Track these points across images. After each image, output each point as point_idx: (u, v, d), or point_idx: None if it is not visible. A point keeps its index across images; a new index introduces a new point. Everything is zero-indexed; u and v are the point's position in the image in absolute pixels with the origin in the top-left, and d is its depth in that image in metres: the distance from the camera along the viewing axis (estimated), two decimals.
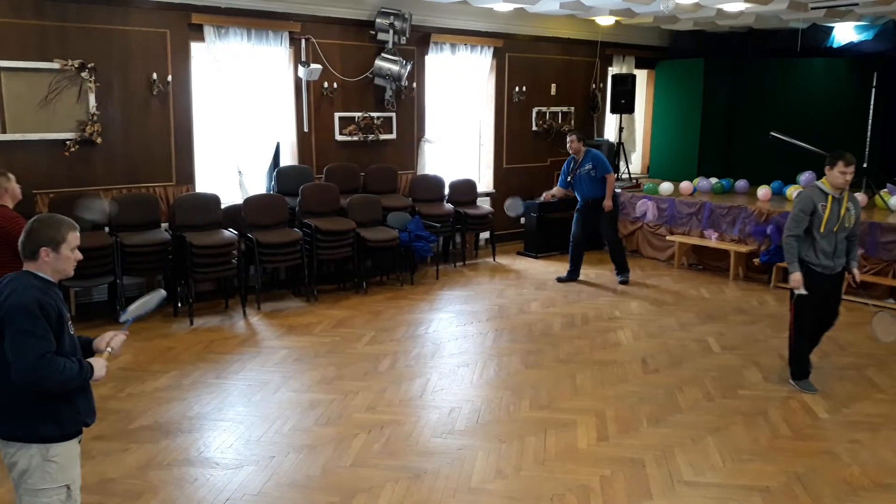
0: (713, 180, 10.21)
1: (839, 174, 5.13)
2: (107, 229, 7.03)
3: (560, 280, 8.64)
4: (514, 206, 8.53)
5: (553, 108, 10.81)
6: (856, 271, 5.39)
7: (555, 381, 5.55)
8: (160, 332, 6.58)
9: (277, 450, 4.39)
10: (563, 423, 4.79)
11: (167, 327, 6.72)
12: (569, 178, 8.48)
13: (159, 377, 5.51)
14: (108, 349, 2.90)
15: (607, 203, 8.37)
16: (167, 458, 4.29)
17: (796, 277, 5.25)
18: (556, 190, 8.86)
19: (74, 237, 2.80)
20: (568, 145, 8.44)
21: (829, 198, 5.20)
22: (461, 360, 5.98)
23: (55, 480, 2.73)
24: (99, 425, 4.64)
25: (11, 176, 4.74)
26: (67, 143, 6.96)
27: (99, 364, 2.81)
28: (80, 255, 2.84)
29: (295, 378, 5.53)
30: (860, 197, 8.71)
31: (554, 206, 10.03)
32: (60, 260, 2.75)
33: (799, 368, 5.54)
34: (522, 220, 8.94)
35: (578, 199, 8.54)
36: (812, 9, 8.97)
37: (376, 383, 5.43)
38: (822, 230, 5.18)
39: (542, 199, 9.04)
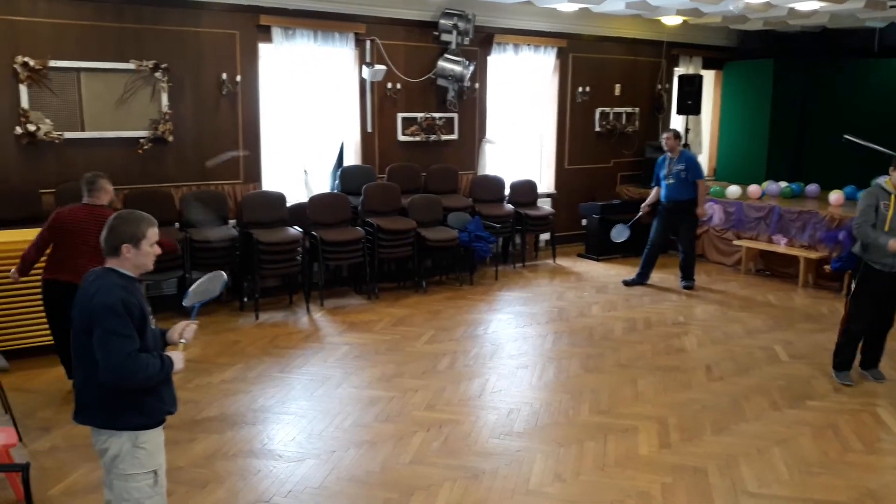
0: (782, 184, 9.92)
1: None
2: (177, 225, 7.25)
3: (626, 283, 8.50)
4: (620, 233, 8.53)
5: (617, 109, 10.68)
6: None
7: (615, 385, 5.48)
8: (227, 325, 6.76)
9: (338, 444, 4.46)
10: (624, 429, 4.73)
11: (234, 321, 6.90)
12: (665, 179, 8.20)
13: (225, 370, 5.66)
14: (182, 340, 2.99)
15: (700, 210, 8.21)
16: (232, 449, 4.40)
17: (892, 243, 5.10)
18: (651, 197, 8.51)
19: (154, 233, 2.86)
20: (664, 142, 8.30)
21: (892, 197, 5.19)
22: (520, 362, 5.96)
23: (143, 466, 2.85)
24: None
25: (106, 177, 4.98)
26: (141, 140, 7.20)
27: (177, 357, 2.90)
28: (158, 250, 2.91)
29: (356, 374, 5.61)
30: None
31: (617, 208, 9.92)
32: (141, 255, 2.82)
33: (840, 360, 5.58)
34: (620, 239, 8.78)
35: (662, 199, 8.33)
36: (891, 7, 8.62)
37: (435, 382, 5.46)
38: (885, 229, 5.15)
39: (640, 213, 8.57)
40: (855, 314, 5.48)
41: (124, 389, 2.75)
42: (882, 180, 5.35)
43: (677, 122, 11.36)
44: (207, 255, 7.00)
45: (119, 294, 2.71)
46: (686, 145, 10.86)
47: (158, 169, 7.39)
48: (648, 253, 8.45)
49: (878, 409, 5.13)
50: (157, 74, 7.22)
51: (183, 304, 3.23)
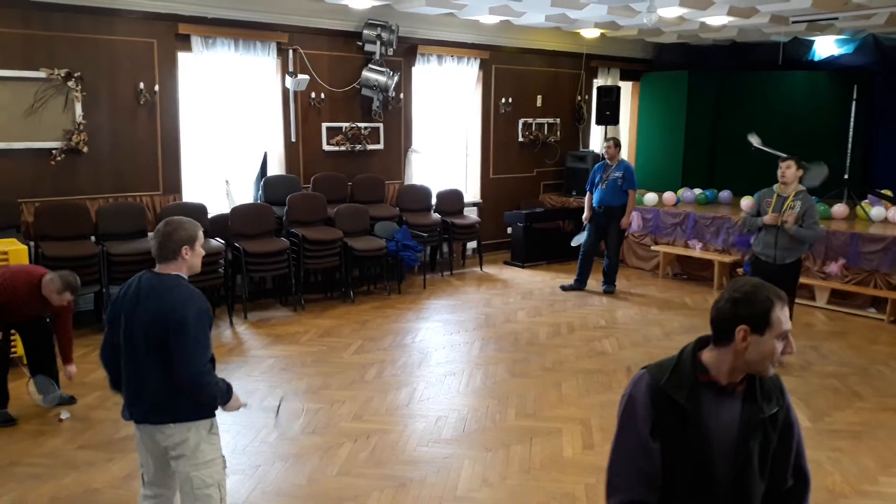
0: (697, 191, 10.32)
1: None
2: (93, 238, 7.02)
3: (564, 288, 8.65)
4: (578, 239, 8.71)
5: (539, 120, 10.90)
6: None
7: (541, 389, 5.59)
8: None
9: (263, 459, 4.40)
10: (549, 432, 4.82)
11: None
12: (600, 184, 8.37)
13: None
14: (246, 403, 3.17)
15: (625, 220, 8.43)
16: None
17: (767, 218, 5.99)
18: (587, 205, 8.60)
19: (201, 234, 2.97)
20: (604, 150, 8.52)
21: (775, 195, 6.02)
22: (448, 370, 6.00)
23: (218, 450, 3.02)
24: (84, 435, 4.67)
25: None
26: (53, 151, 6.95)
27: (237, 401, 3.05)
28: (203, 252, 3.01)
29: (281, 387, 5.53)
30: (840, 208, 8.86)
31: (540, 216, 10.12)
32: (195, 256, 2.92)
33: None
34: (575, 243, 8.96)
35: (594, 204, 8.48)
36: (793, 22, 9.11)
37: (363, 392, 5.45)
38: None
39: (586, 223, 8.62)
40: None
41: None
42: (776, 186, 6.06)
43: (597, 132, 11.68)
44: (124, 268, 6.78)
45: (204, 304, 2.87)
46: (602, 156, 11.18)
47: (72, 181, 7.13)
48: (583, 259, 8.63)
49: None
50: (70, 83, 6.99)
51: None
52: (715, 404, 2.00)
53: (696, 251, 9.21)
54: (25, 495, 3.97)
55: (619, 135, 11.92)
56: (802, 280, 8.03)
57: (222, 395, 2.94)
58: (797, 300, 7.64)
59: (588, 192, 8.62)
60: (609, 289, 8.61)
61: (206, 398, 2.89)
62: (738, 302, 1.98)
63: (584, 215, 8.65)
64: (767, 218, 5.97)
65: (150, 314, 2.81)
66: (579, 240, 8.73)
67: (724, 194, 10.40)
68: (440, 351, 6.49)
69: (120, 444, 4.56)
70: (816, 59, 11.14)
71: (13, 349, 5.27)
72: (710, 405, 2.00)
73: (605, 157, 8.53)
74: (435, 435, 4.76)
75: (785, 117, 10.87)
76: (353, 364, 6.05)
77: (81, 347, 6.31)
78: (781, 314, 1.96)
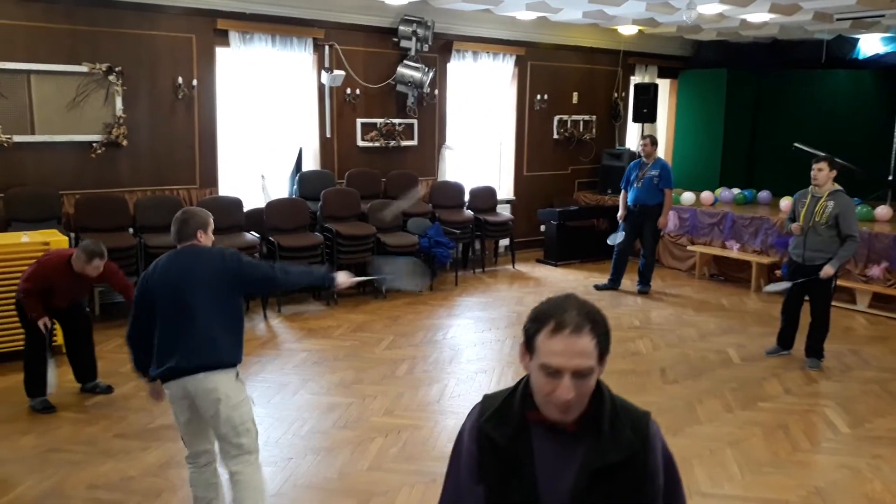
0: (735, 191, 10.15)
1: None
2: (130, 230, 7.13)
3: (598, 287, 8.56)
4: (615, 238, 8.53)
5: (575, 117, 10.81)
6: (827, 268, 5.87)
7: None
8: None
9: (295, 452, 4.42)
10: None
11: None
12: (636, 182, 8.28)
13: None
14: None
15: (663, 220, 8.33)
16: None
17: (794, 226, 6.06)
18: (622, 203, 8.50)
19: (212, 221, 3.50)
20: (640, 148, 8.42)
21: (810, 196, 5.97)
22: (479, 367, 5.99)
23: (245, 391, 3.39)
24: (119, 424, 4.75)
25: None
26: (94, 144, 7.07)
27: (343, 274, 3.66)
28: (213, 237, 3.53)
29: (314, 381, 5.57)
30: (884, 210, 8.64)
31: (574, 214, 10.04)
32: (208, 239, 3.45)
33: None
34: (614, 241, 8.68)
35: (629, 202, 8.39)
36: (837, 20, 8.91)
37: (394, 388, 5.45)
38: (800, 222, 5.97)
39: (622, 222, 8.52)
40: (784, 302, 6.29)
41: (236, 330, 3.36)
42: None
43: (633, 129, 11.56)
44: None
45: (226, 248, 3.49)
46: (638, 154, 11.04)
47: (112, 174, 7.25)
48: (617, 258, 8.53)
49: (826, 410, 5.27)
50: (111, 78, 7.10)
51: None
52: (548, 447, 1.63)
53: (734, 252, 9.06)
54: (64, 481, 4.05)
55: (656, 133, 11.78)
56: (843, 283, 7.87)
57: (321, 275, 3.75)
58: (836, 303, 7.50)
59: (623, 191, 8.51)
60: (644, 289, 8.51)
61: (296, 279, 3.67)
62: (531, 316, 1.65)
63: (619, 213, 8.55)
64: (794, 227, 6.04)
65: (195, 276, 3.27)
66: (616, 238, 8.61)
67: (764, 194, 10.21)
68: (471, 348, 6.47)
69: (155, 433, 4.62)
70: (861, 57, 10.89)
71: (54, 338, 5.37)
72: (542, 447, 1.63)
73: (642, 154, 8.42)
74: None
75: (827, 117, 10.63)
76: (384, 359, 6.06)
77: (118, 337, 6.41)
78: (552, 342, 1.56)
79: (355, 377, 5.65)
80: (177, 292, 3.25)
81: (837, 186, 5.94)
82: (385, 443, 4.55)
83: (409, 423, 4.85)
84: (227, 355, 3.30)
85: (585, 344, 1.56)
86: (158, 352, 3.29)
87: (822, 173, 5.87)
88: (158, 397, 3.56)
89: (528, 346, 1.63)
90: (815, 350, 6.12)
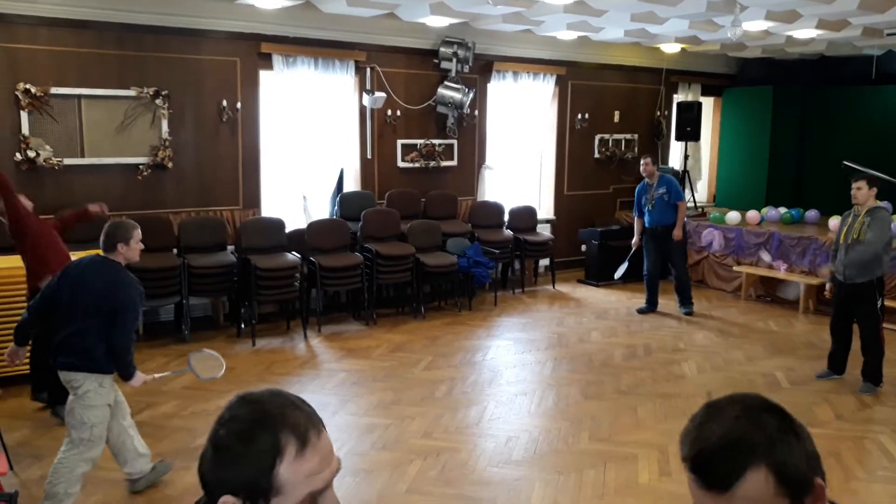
0: (782, 210, 9.92)
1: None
2: (175, 251, 7.24)
3: (640, 311, 8.42)
4: (619, 271, 8.47)
5: (616, 136, 10.71)
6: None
7: (615, 413, 5.43)
8: (223, 352, 6.59)
9: None
10: (624, 457, 4.67)
11: (230, 347, 6.85)
12: (647, 205, 8.24)
13: (221, 397, 5.59)
14: (154, 375, 4.15)
15: (677, 232, 8.22)
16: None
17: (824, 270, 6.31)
18: (637, 230, 8.49)
19: (138, 234, 3.89)
20: (642, 168, 8.34)
21: (852, 214, 5.90)
22: (519, 389, 5.91)
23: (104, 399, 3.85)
24: (161, 443, 4.78)
25: None
26: (140, 167, 7.22)
27: (140, 377, 3.95)
28: (142, 246, 3.94)
29: (353, 401, 5.56)
30: None
31: (616, 234, 9.91)
32: (130, 251, 3.84)
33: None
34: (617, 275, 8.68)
35: (647, 225, 8.34)
36: (888, 35, 8.68)
37: (433, 409, 5.41)
38: (840, 241, 5.90)
39: (633, 249, 8.55)
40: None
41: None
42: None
43: (676, 148, 11.41)
44: (204, 280, 6.99)
45: (139, 290, 3.85)
46: (686, 172, 10.90)
47: (157, 195, 7.40)
48: (649, 281, 8.41)
49: (881, 436, 5.07)
50: (158, 101, 7.26)
51: (181, 371, 4.48)
52: None
53: (781, 272, 8.84)
54: (107, 501, 4.08)
55: (700, 151, 11.62)
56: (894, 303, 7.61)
57: (129, 368, 3.91)
58: (889, 325, 7.25)
59: (637, 217, 8.45)
60: (688, 310, 8.34)
61: (122, 365, 3.89)
62: (218, 451, 1.15)
63: (634, 240, 8.46)
64: (822, 271, 6.35)
65: (94, 292, 3.74)
66: (620, 272, 8.52)
67: (811, 214, 9.96)
68: (511, 370, 6.40)
69: (195, 452, 4.61)
70: None
71: None
72: None
73: (644, 175, 8.31)
74: (505, 455, 4.68)
75: (878, 134, 10.35)
76: (423, 380, 6.03)
77: (161, 357, 6.52)
78: (298, 466, 1.12)
79: (394, 398, 5.62)
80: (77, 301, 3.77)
81: (879, 203, 5.79)
82: (424, 465, 4.50)
83: (448, 445, 4.80)
84: (92, 360, 3.80)
85: None
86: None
87: (861, 192, 5.78)
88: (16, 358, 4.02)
89: (255, 495, 1.13)
90: (870, 374, 5.91)
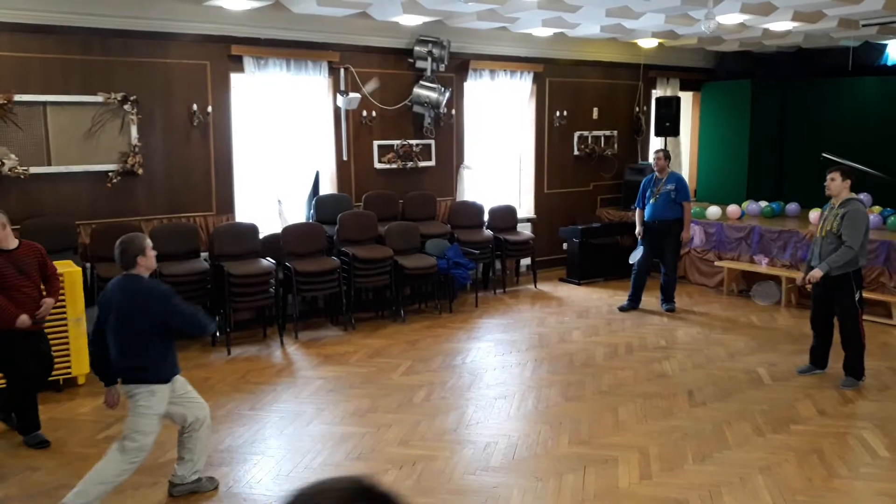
0: (762, 204, 9.89)
1: None
2: None
3: (622, 309, 8.33)
4: (635, 255, 8.31)
5: (595, 132, 10.64)
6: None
7: (596, 414, 5.34)
8: (198, 361, 6.57)
9: None
10: (604, 460, 4.58)
11: (205, 357, 6.71)
12: (651, 198, 8.12)
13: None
14: None
15: (686, 234, 8.20)
16: (195, 494, 4.21)
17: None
18: (638, 220, 8.32)
19: (149, 243, 4.00)
20: (654, 162, 8.27)
21: (828, 207, 5.87)
22: (498, 392, 5.81)
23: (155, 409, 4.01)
24: None
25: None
26: (110, 174, 7.06)
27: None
28: (155, 252, 4.06)
29: (328, 410, 5.44)
30: None
31: (597, 232, 9.84)
32: (149, 260, 3.96)
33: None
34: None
35: (647, 218, 8.20)
36: (864, 26, 8.66)
37: (410, 416, 5.30)
38: (818, 234, 5.89)
39: (640, 238, 8.34)
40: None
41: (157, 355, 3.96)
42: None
43: (656, 144, 11.34)
44: (177, 288, 6.79)
45: (165, 289, 4.03)
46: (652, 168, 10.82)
47: (128, 202, 7.24)
48: (637, 276, 8.32)
49: (864, 432, 5.01)
50: (126, 106, 7.10)
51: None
52: None
53: (763, 267, 8.79)
54: None
55: (679, 146, 11.57)
56: (878, 297, 7.60)
57: (206, 321, 4.19)
58: (872, 318, 7.23)
59: (638, 208, 8.34)
60: (670, 307, 8.28)
61: (204, 326, 4.20)
62: None
63: (637, 230, 8.35)
64: (798, 280, 6.16)
65: (131, 309, 3.90)
66: (636, 256, 8.39)
67: (792, 207, 9.94)
68: (491, 372, 6.31)
69: (165, 468, 4.51)
70: (890, 63, 10.60)
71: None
72: None
73: (655, 169, 8.24)
74: (483, 462, 4.58)
75: (856, 125, 10.34)
76: (401, 386, 5.92)
77: None
78: None
79: (371, 405, 5.51)
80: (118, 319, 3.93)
81: (853, 195, 5.77)
82: (399, 475, 4.39)
83: (424, 453, 4.70)
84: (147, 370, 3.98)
85: None
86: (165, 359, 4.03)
87: (834, 183, 5.76)
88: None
89: None
90: (852, 368, 5.87)
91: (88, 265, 6.71)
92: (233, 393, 5.80)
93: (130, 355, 3.91)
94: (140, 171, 7.20)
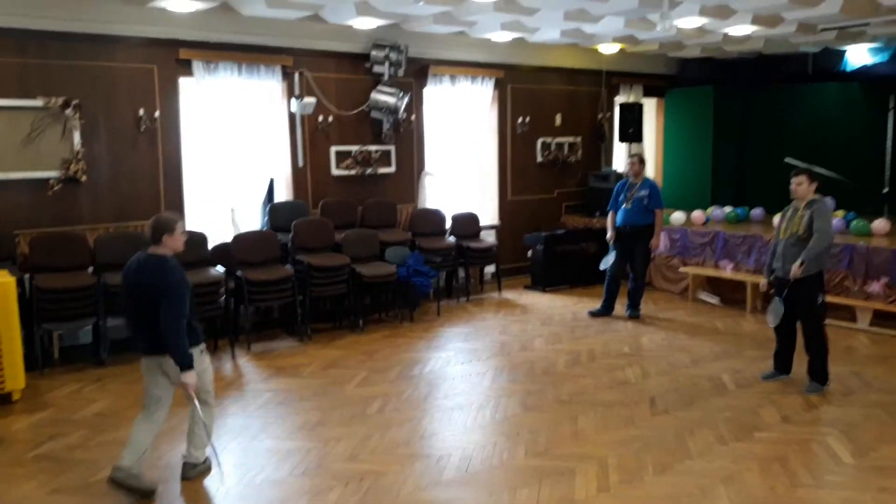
0: (727, 209, 9.83)
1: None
2: (90, 269, 6.79)
3: (592, 314, 8.20)
4: (606, 261, 8.12)
5: (559, 139, 10.53)
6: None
7: (555, 424, 5.15)
8: (138, 375, 6.22)
9: (246, 503, 4.04)
10: (561, 472, 4.38)
11: None
12: (624, 203, 7.95)
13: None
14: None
15: (656, 241, 8.06)
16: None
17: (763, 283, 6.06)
18: (610, 225, 8.12)
19: (181, 225, 4.20)
20: (628, 166, 8.12)
21: (791, 208, 5.81)
22: (455, 403, 5.60)
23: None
24: (59, 478, 4.36)
25: None
26: (51, 181, 6.76)
27: (191, 375, 4.07)
28: (186, 236, 4.26)
29: (276, 424, 5.19)
30: (881, 223, 8.31)
31: (561, 239, 9.71)
32: (174, 241, 4.14)
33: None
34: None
35: (618, 223, 8.02)
36: (822, 30, 8.66)
37: (362, 429, 5.06)
38: (780, 236, 5.83)
39: (612, 243, 8.13)
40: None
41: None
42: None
43: (619, 150, 11.28)
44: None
45: (181, 276, 4.11)
46: (626, 175, 10.74)
47: (71, 210, 6.94)
48: (609, 283, 8.16)
49: (828, 438, 4.88)
50: (68, 111, 6.82)
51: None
52: None
53: (727, 272, 8.70)
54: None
55: (644, 153, 11.49)
56: (842, 301, 7.53)
57: (182, 352, 4.04)
58: (836, 322, 7.15)
59: (611, 212, 8.17)
60: (634, 313, 8.13)
61: (175, 343, 4.02)
62: None
63: (609, 235, 8.19)
64: (762, 285, 6.16)
65: (147, 283, 4.05)
66: (607, 262, 8.25)
67: (756, 212, 9.90)
68: (450, 382, 6.10)
69: (95, 487, 4.23)
70: (849, 69, 10.64)
71: None
72: None
73: (630, 174, 8.10)
74: (435, 477, 4.36)
75: (817, 130, 10.36)
76: (354, 398, 5.68)
77: (75, 383, 6.06)
78: None
79: (321, 418, 5.26)
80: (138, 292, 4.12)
81: (817, 196, 5.70)
82: (344, 492, 4.15)
83: (373, 468, 4.46)
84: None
85: None
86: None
87: (801, 187, 5.69)
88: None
89: None
90: (816, 373, 5.75)
91: (27, 276, 6.39)
92: (175, 408, 5.46)
93: (148, 327, 4.03)
94: (84, 179, 6.91)
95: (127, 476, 4.03)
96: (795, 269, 5.55)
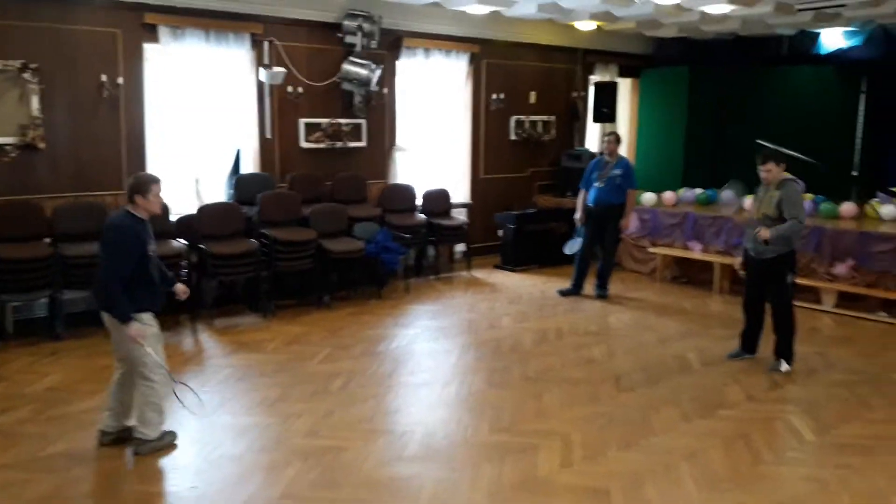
0: (698, 191, 9.82)
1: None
2: (47, 240, 6.58)
3: (562, 293, 8.15)
4: (572, 246, 8.10)
5: (533, 117, 10.42)
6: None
7: (519, 401, 5.10)
8: (100, 349, 6.05)
9: (201, 479, 3.94)
10: (524, 448, 4.34)
11: (108, 345, 6.22)
12: (598, 181, 7.86)
13: (87, 398, 5.03)
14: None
15: (625, 222, 8.03)
16: (75, 490, 3.83)
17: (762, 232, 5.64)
18: (580, 204, 8.04)
19: (158, 188, 4.20)
20: (605, 145, 8.02)
21: (763, 188, 5.77)
22: (421, 379, 5.53)
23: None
24: (7, 452, 4.22)
25: None
26: (7, 148, 6.53)
27: (136, 327, 4.11)
28: (162, 200, 4.28)
29: (235, 399, 5.08)
30: (849, 206, 8.36)
31: (533, 218, 9.64)
32: (148, 203, 4.16)
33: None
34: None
35: (590, 202, 7.94)
36: (799, 10, 8.63)
37: (323, 405, 4.97)
38: (755, 216, 5.78)
39: (579, 225, 8.11)
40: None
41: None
42: None
43: (593, 130, 11.21)
44: (82, 271, 6.34)
45: (132, 233, 4.09)
46: (602, 153, 10.68)
47: (28, 179, 6.70)
48: (580, 262, 8.11)
49: (791, 417, 4.90)
50: (26, 75, 6.57)
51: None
52: None
53: (696, 253, 8.71)
54: None
55: (619, 133, 11.43)
56: (808, 282, 7.56)
57: (121, 310, 4.10)
58: (802, 304, 7.17)
59: (582, 190, 8.09)
60: (602, 293, 8.10)
61: (108, 298, 4.14)
62: None
63: (577, 215, 8.11)
64: (736, 265, 6.15)
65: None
66: (573, 247, 8.20)
67: (727, 194, 9.88)
68: (415, 359, 6.03)
69: (44, 462, 4.10)
70: (823, 52, 10.66)
71: None
72: None
73: (605, 152, 8.02)
74: (397, 453, 4.29)
75: (791, 113, 10.38)
76: (317, 374, 5.58)
77: (28, 356, 5.89)
78: None
79: (281, 394, 5.15)
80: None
81: (788, 176, 5.67)
82: (303, 467, 4.07)
83: (333, 444, 4.37)
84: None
85: None
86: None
87: (770, 174, 5.65)
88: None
89: None
90: (782, 352, 5.77)
91: None
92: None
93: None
94: (42, 146, 6.69)
95: (153, 448, 4.20)
96: (763, 232, 5.52)
